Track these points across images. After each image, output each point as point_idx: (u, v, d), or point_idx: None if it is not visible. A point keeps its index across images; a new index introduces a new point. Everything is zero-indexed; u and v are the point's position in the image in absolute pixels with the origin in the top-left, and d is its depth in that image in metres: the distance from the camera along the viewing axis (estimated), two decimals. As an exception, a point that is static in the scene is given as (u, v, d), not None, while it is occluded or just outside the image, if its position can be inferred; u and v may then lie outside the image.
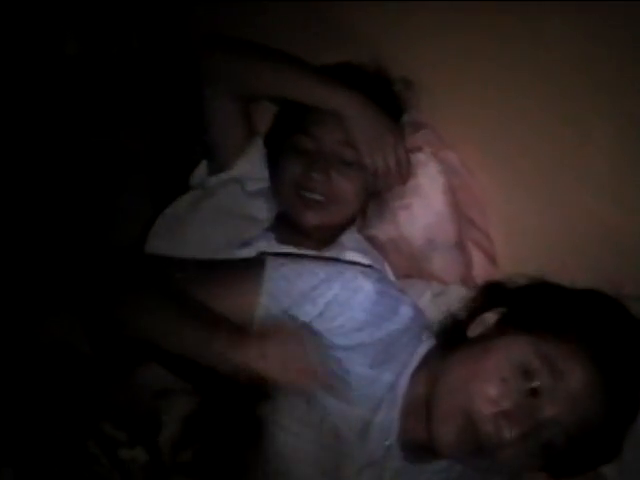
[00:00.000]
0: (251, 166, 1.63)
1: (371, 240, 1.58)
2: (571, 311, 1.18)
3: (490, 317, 1.21)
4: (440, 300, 1.48)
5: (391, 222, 1.58)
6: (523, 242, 1.58)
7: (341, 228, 1.57)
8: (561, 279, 1.49)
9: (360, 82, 1.52)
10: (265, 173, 1.62)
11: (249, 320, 1.19)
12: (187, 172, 1.68)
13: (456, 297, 1.49)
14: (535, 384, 1.11)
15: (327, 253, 1.51)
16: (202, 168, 1.67)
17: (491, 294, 1.28)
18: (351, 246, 1.53)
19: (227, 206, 1.57)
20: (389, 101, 1.55)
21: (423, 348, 1.26)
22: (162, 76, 1.82)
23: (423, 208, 1.57)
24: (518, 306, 1.22)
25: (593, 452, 1.15)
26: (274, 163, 1.59)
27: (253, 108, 1.65)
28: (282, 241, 1.53)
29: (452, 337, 1.24)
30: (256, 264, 1.24)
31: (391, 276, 1.53)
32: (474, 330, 1.22)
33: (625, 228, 1.48)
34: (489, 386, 1.12)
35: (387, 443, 1.21)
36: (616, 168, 1.47)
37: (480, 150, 1.59)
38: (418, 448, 1.21)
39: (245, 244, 1.51)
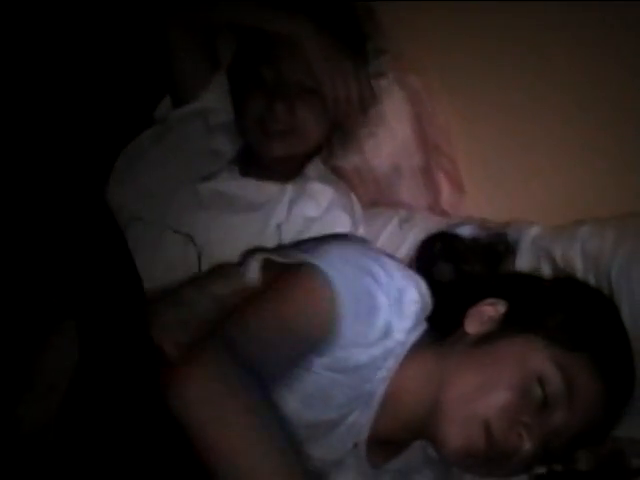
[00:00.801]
0: (214, 99, 1.61)
1: (337, 170, 1.57)
2: (581, 316, 1.17)
3: (489, 311, 1.17)
4: (407, 226, 1.48)
5: (356, 151, 1.57)
6: (488, 169, 1.57)
7: (305, 159, 1.55)
8: (527, 206, 1.51)
9: (320, 9, 1.49)
10: (228, 106, 1.59)
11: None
12: (152, 108, 1.66)
13: (424, 224, 1.49)
14: (549, 393, 1.10)
15: (291, 185, 1.50)
16: (166, 102, 1.64)
17: (485, 283, 1.25)
18: (316, 177, 1.52)
19: (189, 140, 1.55)
20: (351, 28, 1.53)
21: (414, 335, 1.18)
22: (123, 9, 1.78)
23: (388, 136, 1.56)
24: (520, 302, 1.18)
25: (586, 444, 1.17)
26: (237, 96, 1.56)
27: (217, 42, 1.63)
28: (246, 174, 1.52)
29: (445, 326, 1.20)
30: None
31: (358, 205, 1.52)
32: (473, 325, 1.17)
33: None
34: (508, 396, 1.10)
35: (353, 443, 1.17)
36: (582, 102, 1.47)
37: (444, 75, 1.57)
38: (384, 444, 1.19)
39: (207, 178, 1.50)
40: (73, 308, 1.07)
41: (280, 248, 1.33)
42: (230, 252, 1.41)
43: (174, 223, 1.45)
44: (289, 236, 1.46)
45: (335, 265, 1.10)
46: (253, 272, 1.16)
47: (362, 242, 1.31)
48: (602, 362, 1.13)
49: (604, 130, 1.48)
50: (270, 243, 1.44)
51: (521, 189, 1.55)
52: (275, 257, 1.15)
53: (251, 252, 1.23)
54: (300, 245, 1.23)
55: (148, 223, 1.46)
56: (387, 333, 1.13)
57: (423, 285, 1.18)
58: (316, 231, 1.46)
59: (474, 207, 1.57)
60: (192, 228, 1.44)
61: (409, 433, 1.19)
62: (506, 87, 1.54)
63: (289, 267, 1.13)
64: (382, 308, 1.11)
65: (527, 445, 1.10)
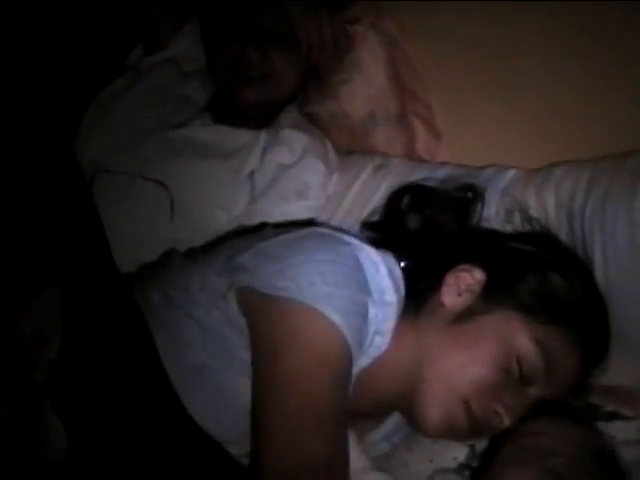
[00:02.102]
0: (187, 46, 1.59)
1: (312, 117, 1.56)
2: (557, 284, 1.14)
3: (466, 279, 1.14)
4: (382, 173, 1.47)
5: (331, 97, 1.55)
6: (464, 115, 1.56)
7: (279, 106, 1.54)
8: (503, 151, 1.50)
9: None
10: (201, 53, 1.58)
11: None
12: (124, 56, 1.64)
13: (399, 171, 1.49)
14: (528, 370, 1.10)
15: (265, 132, 1.49)
16: (138, 50, 1.62)
17: (457, 244, 1.22)
18: (289, 124, 1.51)
19: (161, 88, 1.54)
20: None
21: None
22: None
23: (363, 81, 1.55)
24: (495, 270, 1.16)
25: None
26: (210, 42, 1.54)
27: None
28: (219, 121, 1.51)
29: (419, 293, 1.17)
30: None
31: (332, 152, 1.51)
32: (450, 297, 1.14)
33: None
34: (489, 375, 1.09)
35: None
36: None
37: (419, 20, 1.56)
38: (361, 419, 1.17)
39: (179, 125, 1.48)
40: (52, 270, 1.06)
41: (248, 237, 1.20)
42: (202, 200, 1.40)
43: (146, 172, 1.43)
44: (262, 184, 1.45)
45: (325, 293, 1.04)
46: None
47: (334, 232, 1.19)
48: (580, 333, 1.13)
49: (581, 75, 1.47)
50: (243, 190, 1.44)
51: (497, 135, 1.54)
52: (255, 286, 1.07)
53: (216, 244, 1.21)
54: (268, 247, 1.11)
55: (119, 174, 1.45)
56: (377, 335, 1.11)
57: (396, 269, 1.15)
58: (289, 178, 1.45)
59: (450, 153, 1.56)
60: (164, 176, 1.43)
61: (386, 407, 1.19)
62: (483, 32, 1.52)
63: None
64: (373, 318, 1.08)
65: (506, 421, 1.10)
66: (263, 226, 1.27)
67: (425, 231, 1.25)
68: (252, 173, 1.46)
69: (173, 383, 1.05)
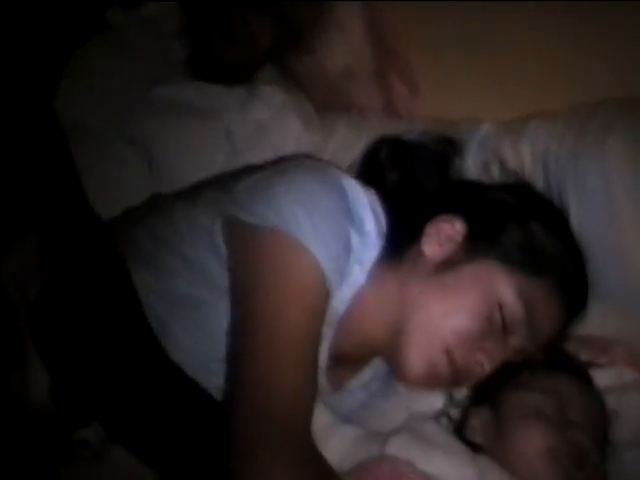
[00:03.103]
0: (165, 5, 1.58)
1: (289, 73, 1.55)
2: (537, 237, 1.16)
3: (447, 229, 1.15)
4: (359, 128, 1.47)
5: (309, 54, 1.54)
6: (442, 70, 1.56)
7: (258, 63, 1.53)
8: (481, 106, 1.50)
9: None
10: (180, 11, 1.57)
11: None
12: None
13: (377, 125, 1.49)
14: (510, 320, 1.11)
15: (243, 89, 1.49)
16: (117, 8, 1.61)
17: (437, 196, 1.23)
18: (267, 81, 1.51)
19: (141, 46, 1.54)
20: None
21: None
22: None
23: (341, 37, 1.53)
24: (476, 220, 1.17)
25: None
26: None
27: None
28: (199, 78, 1.50)
29: (400, 244, 1.18)
30: None
31: (310, 109, 1.51)
32: (432, 247, 1.15)
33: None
34: (471, 324, 1.11)
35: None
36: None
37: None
38: (342, 365, 1.19)
39: (158, 83, 1.48)
40: (29, 218, 1.07)
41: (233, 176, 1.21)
42: (181, 157, 1.41)
43: (124, 130, 1.44)
44: (240, 141, 1.45)
45: (306, 224, 1.05)
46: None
47: (318, 164, 1.23)
48: (561, 283, 1.15)
49: (560, 28, 1.47)
50: (222, 147, 1.44)
51: (476, 90, 1.54)
52: (240, 215, 1.07)
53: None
54: (254, 179, 1.12)
55: (98, 132, 1.45)
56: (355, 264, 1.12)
57: (377, 204, 1.16)
58: (267, 134, 1.45)
59: (429, 109, 1.56)
60: (143, 134, 1.43)
61: (368, 351, 1.20)
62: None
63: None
64: (354, 247, 1.10)
65: (487, 369, 1.12)
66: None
67: (404, 184, 1.25)
68: (230, 130, 1.46)
69: (155, 318, 1.06)
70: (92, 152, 1.41)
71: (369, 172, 1.27)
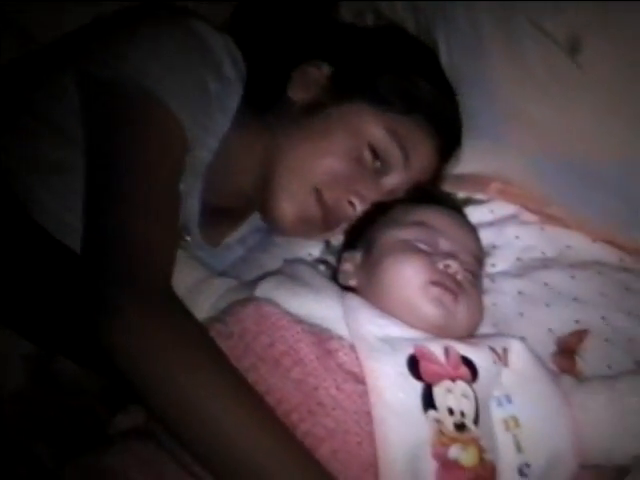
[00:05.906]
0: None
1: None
2: (410, 75, 1.15)
3: (313, 72, 1.14)
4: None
5: None
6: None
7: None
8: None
9: None
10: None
11: None
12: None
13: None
14: (383, 158, 1.10)
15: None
16: None
17: (305, 40, 1.20)
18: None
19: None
20: None
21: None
22: None
23: None
24: (346, 63, 1.15)
25: None
26: None
27: None
28: None
29: (266, 93, 1.16)
30: None
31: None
32: (297, 91, 1.14)
33: None
34: (338, 164, 1.10)
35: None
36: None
37: None
38: (218, 221, 1.19)
39: None
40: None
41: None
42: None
43: None
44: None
45: (159, 74, 1.02)
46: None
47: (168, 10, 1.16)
48: (434, 121, 1.14)
49: None
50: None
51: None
52: (93, 70, 1.04)
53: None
54: (108, 32, 1.09)
55: None
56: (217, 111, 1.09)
57: (234, 48, 1.14)
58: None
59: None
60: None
61: (241, 205, 1.20)
62: None
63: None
64: (213, 93, 1.07)
65: (358, 210, 1.12)
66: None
67: (271, 30, 1.23)
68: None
69: (21, 186, 1.04)
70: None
71: (235, 20, 1.25)
